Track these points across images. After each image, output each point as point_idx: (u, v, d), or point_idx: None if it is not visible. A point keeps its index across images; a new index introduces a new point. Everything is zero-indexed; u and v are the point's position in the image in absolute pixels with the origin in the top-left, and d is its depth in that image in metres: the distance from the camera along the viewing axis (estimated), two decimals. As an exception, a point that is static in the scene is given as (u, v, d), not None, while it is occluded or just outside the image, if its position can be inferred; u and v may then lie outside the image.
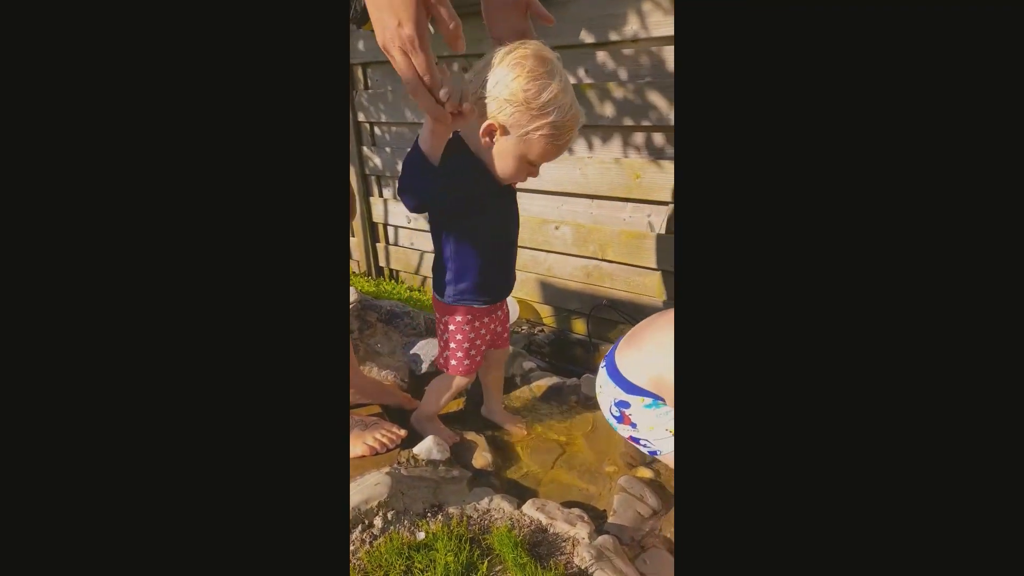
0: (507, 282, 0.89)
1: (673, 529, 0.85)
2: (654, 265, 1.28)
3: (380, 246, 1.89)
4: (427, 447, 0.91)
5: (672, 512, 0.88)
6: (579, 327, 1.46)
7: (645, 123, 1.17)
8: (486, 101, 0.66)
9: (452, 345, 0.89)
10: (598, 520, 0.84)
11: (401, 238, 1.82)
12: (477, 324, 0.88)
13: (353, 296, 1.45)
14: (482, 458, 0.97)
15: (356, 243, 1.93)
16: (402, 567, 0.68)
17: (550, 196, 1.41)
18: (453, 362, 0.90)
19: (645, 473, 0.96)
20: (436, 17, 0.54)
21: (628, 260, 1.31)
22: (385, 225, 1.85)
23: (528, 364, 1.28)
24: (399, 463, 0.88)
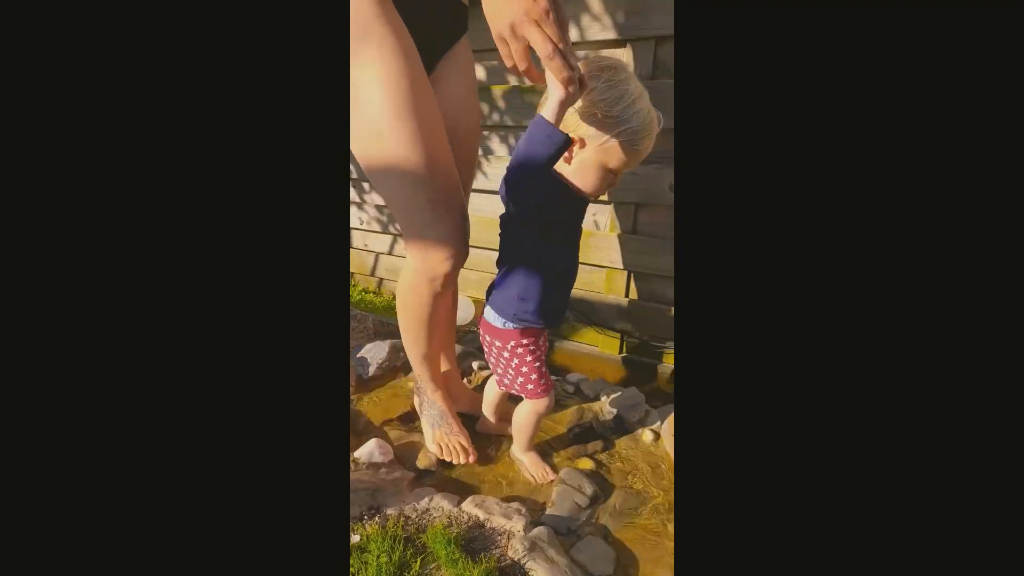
0: (565, 307, 0.85)
1: (608, 516, 0.88)
2: (601, 263, 1.32)
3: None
4: (368, 450, 0.91)
5: (610, 499, 0.91)
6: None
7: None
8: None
9: (525, 369, 0.84)
10: (537, 512, 0.87)
11: (355, 240, 1.81)
12: (541, 342, 0.85)
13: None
14: (426, 458, 0.98)
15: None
16: (335, 570, 0.68)
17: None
18: (531, 386, 0.86)
19: (586, 464, 0.99)
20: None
21: (575, 258, 1.34)
22: (340, 227, 1.83)
23: (478, 363, 1.29)
24: (340, 467, 0.88)
